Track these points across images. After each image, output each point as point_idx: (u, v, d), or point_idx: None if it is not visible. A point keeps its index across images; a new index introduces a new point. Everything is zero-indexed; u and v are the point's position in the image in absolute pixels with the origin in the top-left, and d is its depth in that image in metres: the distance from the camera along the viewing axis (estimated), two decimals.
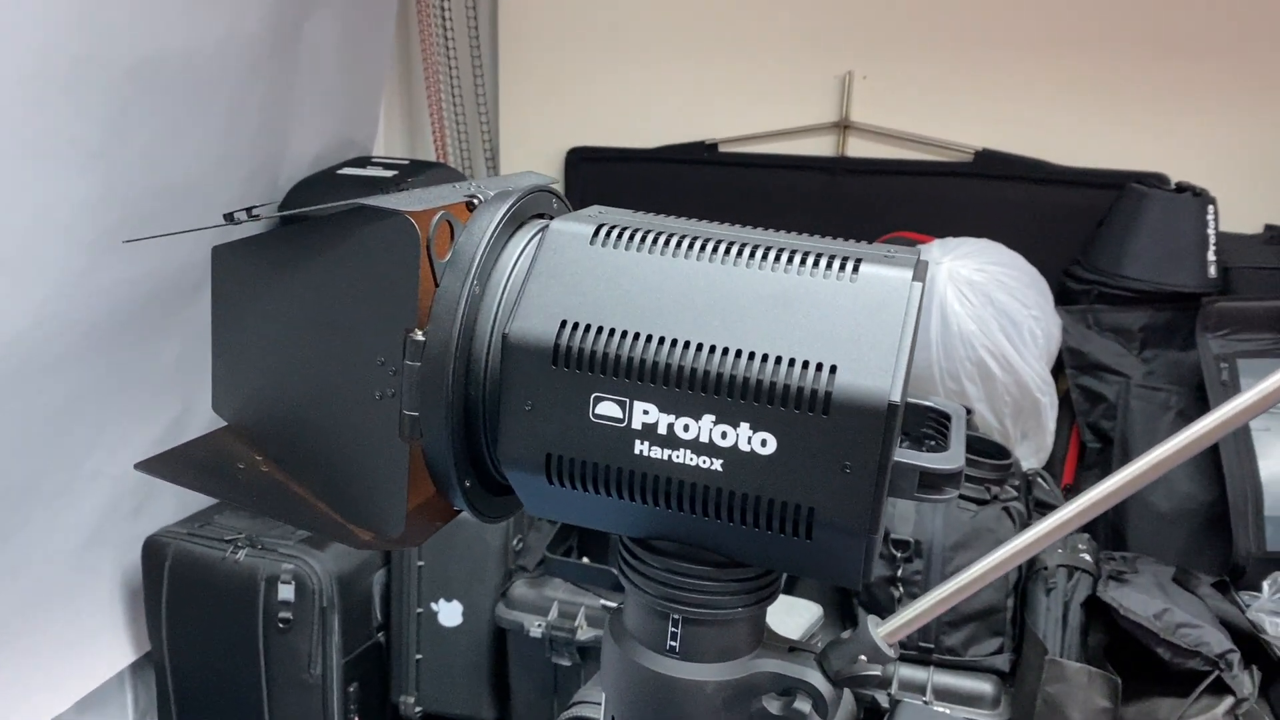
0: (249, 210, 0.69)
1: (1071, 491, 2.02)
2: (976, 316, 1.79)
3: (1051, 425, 1.90)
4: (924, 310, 1.86)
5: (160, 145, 1.61)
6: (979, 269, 1.84)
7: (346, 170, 2.12)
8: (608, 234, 0.65)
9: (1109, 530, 1.87)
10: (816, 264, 0.62)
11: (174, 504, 1.91)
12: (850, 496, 0.59)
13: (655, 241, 0.65)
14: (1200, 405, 1.84)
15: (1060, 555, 1.53)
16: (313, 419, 0.69)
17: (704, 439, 0.60)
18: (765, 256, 0.63)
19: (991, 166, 2.18)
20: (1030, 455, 1.91)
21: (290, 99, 1.98)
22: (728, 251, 0.63)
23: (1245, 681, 1.35)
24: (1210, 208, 1.91)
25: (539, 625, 1.70)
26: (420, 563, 1.82)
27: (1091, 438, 1.97)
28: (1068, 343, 1.96)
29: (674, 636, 0.70)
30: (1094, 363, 1.95)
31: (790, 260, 0.62)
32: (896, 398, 0.57)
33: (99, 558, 1.85)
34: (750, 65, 2.34)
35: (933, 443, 0.74)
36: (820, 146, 2.32)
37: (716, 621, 0.69)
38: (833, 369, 0.58)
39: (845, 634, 0.73)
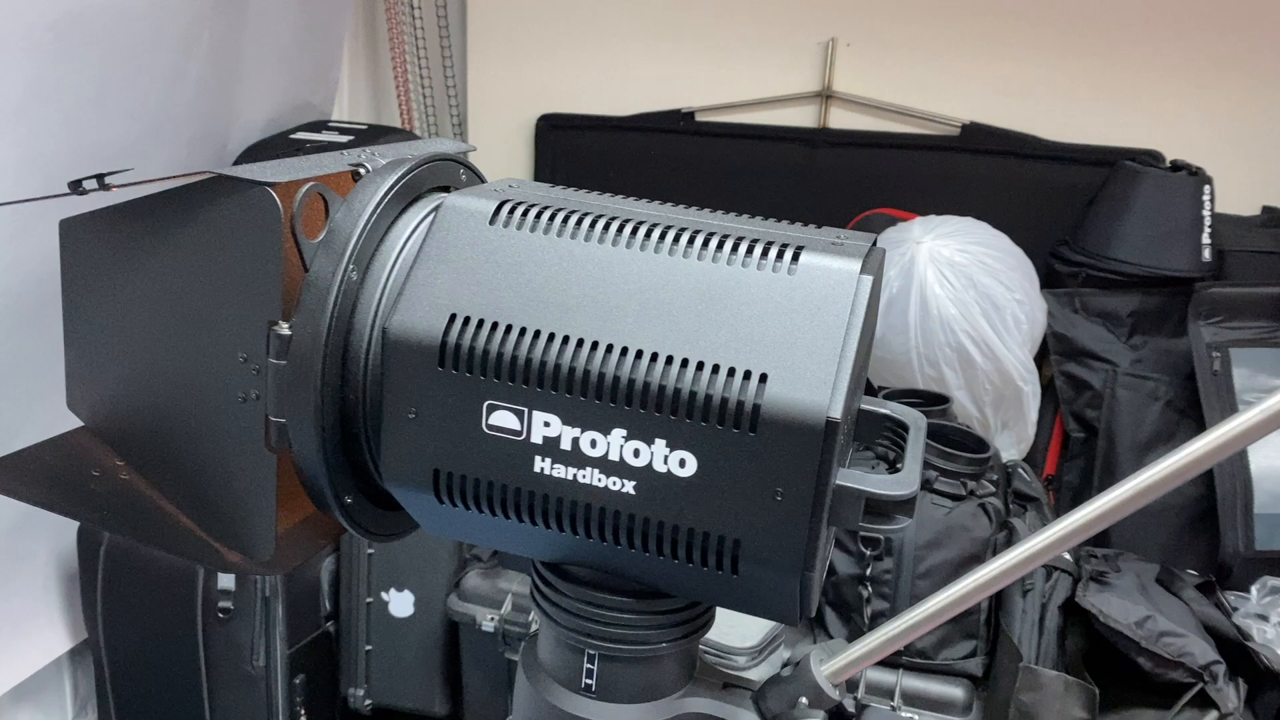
0: (100, 177, 0.59)
1: (1053, 483, 1.94)
2: (957, 300, 1.70)
3: (1034, 415, 1.81)
4: (903, 293, 1.75)
5: (89, 106, 1.50)
6: (961, 249, 1.74)
7: (301, 135, 2.01)
8: (510, 212, 0.56)
9: None
10: (750, 252, 0.53)
11: None
12: (782, 527, 0.50)
13: (565, 222, 0.55)
14: (1191, 395, 1.76)
15: None
16: (174, 422, 0.60)
17: (614, 457, 0.52)
18: (691, 243, 0.54)
19: (979, 141, 2.08)
20: (1011, 446, 1.82)
21: (240, 56, 1.86)
22: (648, 236, 0.54)
23: (1230, 695, 1.28)
24: (1206, 188, 1.82)
25: (492, 619, 1.62)
26: (370, 550, 1.74)
27: (1075, 427, 1.89)
28: (1053, 327, 1.87)
29: (589, 674, 0.61)
30: (1080, 349, 1.87)
31: (720, 248, 0.53)
32: (836, 414, 0.48)
33: (32, 541, 1.75)
34: (729, 31, 2.23)
35: (885, 446, 0.65)
36: (801, 117, 2.21)
37: (638, 658, 0.61)
38: (762, 378, 0.49)
39: (785, 670, 0.65)
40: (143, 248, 0.59)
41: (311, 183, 0.54)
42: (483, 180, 0.69)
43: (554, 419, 0.52)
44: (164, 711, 1.76)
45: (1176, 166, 1.87)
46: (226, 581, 1.65)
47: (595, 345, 0.52)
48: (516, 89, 2.40)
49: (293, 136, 2.01)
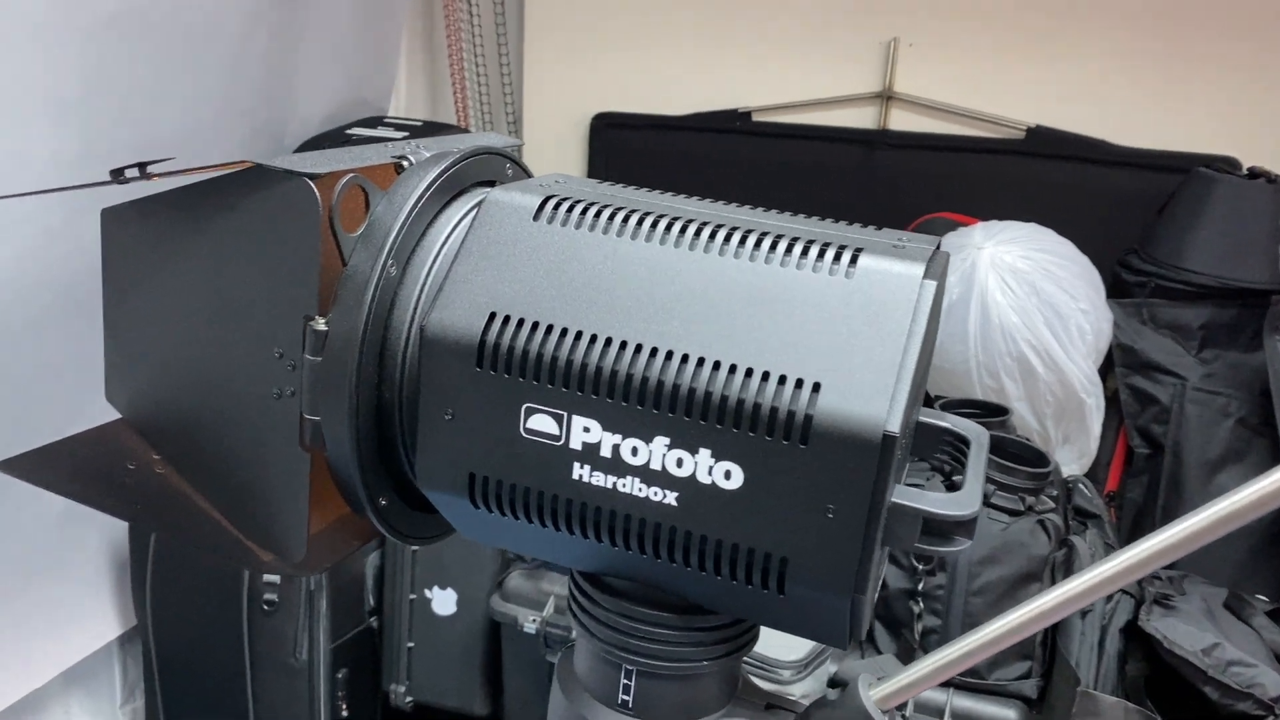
0: (141, 166, 0.58)
1: (1114, 500, 1.88)
2: (1019, 308, 1.64)
3: (1097, 429, 1.75)
4: (963, 299, 1.70)
5: (146, 98, 1.51)
6: (1024, 256, 1.69)
7: (356, 130, 2.01)
8: (555, 208, 0.54)
9: None
10: (805, 254, 0.50)
11: None
12: (832, 547, 0.47)
13: (611, 220, 0.53)
14: (1265, 413, 1.69)
15: None
16: (209, 417, 0.59)
17: (655, 466, 0.49)
18: (743, 243, 0.51)
19: (1045, 145, 2.02)
20: (1072, 460, 1.76)
21: (297, 51, 1.87)
22: (697, 235, 0.52)
23: None
24: None
25: (534, 620, 1.61)
26: (414, 547, 1.73)
27: (1140, 443, 1.82)
28: (1119, 339, 1.80)
29: (626, 690, 0.59)
30: (1147, 362, 1.80)
31: (774, 248, 0.50)
32: (894, 427, 0.45)
33: (84, 528, 1.78)
34: (788, 29, 2.19)
35: (944, 461, 0.62)
36: (861, 118, 2.17)
37: (678, 676, 0.58)
38: (815, 387, 0.46)
39: (831, 693, 0.62)
40: (182, 238, 0.57)
41: (351, 174, 0.53)
42: (529, 175, 0.67)
43: (594, 424, 0.50)
44: (209, 699, 1.78)
45: (1254, 173, 1.79)
46: (272, 574, 1.66)
47: (639, 349, 0.49)
48: (572, 87, 2.39)
49: (349, 132, 2.01)
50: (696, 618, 0.56)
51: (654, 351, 0.49)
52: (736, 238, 0.51)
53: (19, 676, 1.72)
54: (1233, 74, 1.91)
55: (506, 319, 0.51)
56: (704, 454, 0.48)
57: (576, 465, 0.51)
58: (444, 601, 1.74)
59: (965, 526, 0.50)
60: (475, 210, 0.56)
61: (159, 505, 0.60)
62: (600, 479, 0.50)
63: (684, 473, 0.49)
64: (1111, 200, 1.98)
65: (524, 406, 0.51)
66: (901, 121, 2.15)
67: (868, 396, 0.46)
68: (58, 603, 1.75)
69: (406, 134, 1.99)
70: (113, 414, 0.63)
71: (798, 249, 0.50)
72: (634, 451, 0.49)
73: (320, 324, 0.53)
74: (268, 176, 0.53)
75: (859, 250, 0.50)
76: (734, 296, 0.49)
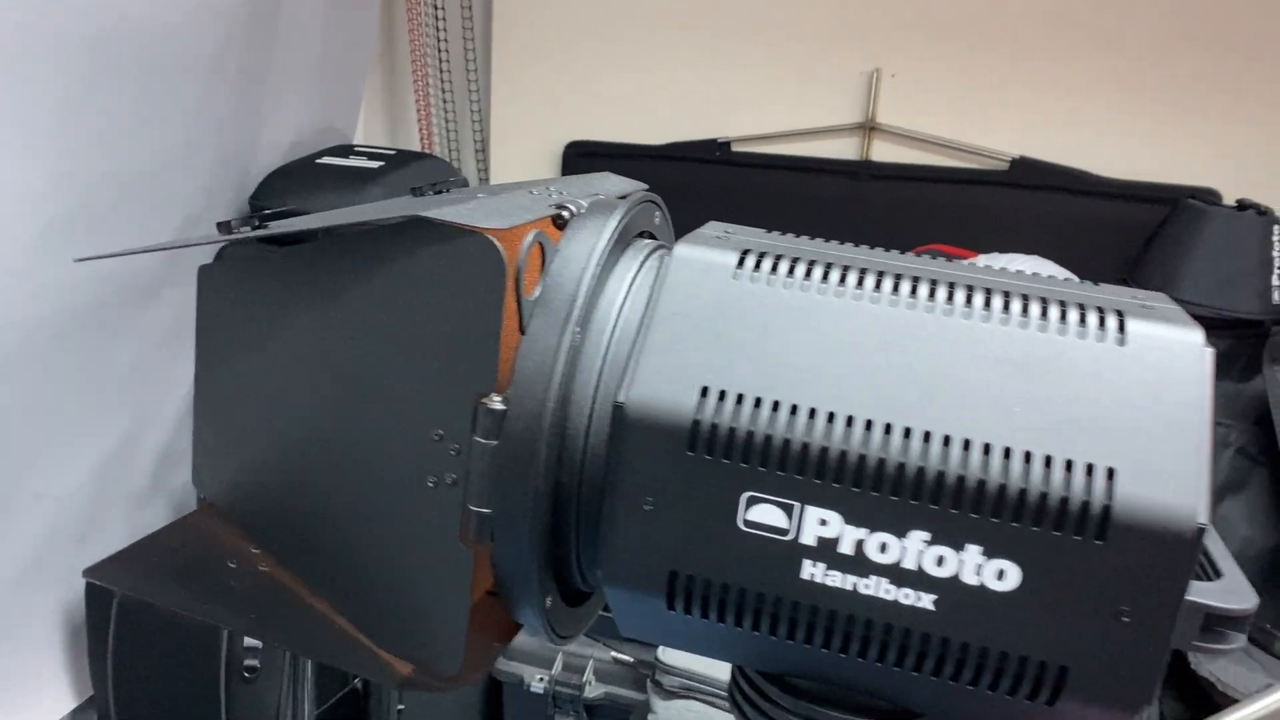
0: (252, 220, 0.50)
1: None
2: None
3: None
4: None
5: (119, 128, 1.40)
6: None
7: (327, 160, 1.91)
8: (758, 264, 0.47)
9: None
10: (1065, 317, 0.44)
11: (124, 531, 1.69)
12: (1125, 654, 0.41)
13: (826, 278, 0.47)
14: (1263, 441, 1.70)
15: None
16: (336, 508, 0.50)
17: (909, 565, 0.43)
18: (988, 304, 0.45)
19: (1029, 176, 2.02)
20: None
21: (266, 80, 1.77)
22: (932, 295, 0.46)
23: None
24: (1276, 228, 1.77)
25: (541, 679, 1.51)
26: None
27: None
28: None
29: None
30: None
31: (1026, 311, 0.45)
32: (1204, 518, 0.40)
33: (38, 591, 1.63)
34: (769, 58, 2.16)
35: None
36: (843, 149, 2.14)
37: None
38: (1109, 474, 0.41)
39: None
40: (303, 302, 0.49)
41: (535, 230, 0.45)
42: (670, 223, 0.60)
43: (833, 516, 0.43)
44: None
45: (1243, 205, 1.82)
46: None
47: (889, 427, 0.43)
48: (543, 114, 2.32)
49: (319, 161, 1.91)
50: None
51: (907, 431, 0.43)
52: (980, 298, 0.45)
53: None
54: (1218, 104, 1.94)
55: (722, 394, 0.44)
56: (972, 551, 0.42)
57: (807, 563, 0.44)
58: None
59: (1243, 622, 0.45)
60: (655, 266, 0.50)
61: (275, 612, 0.51)
62: (837, 579, 0.44)
63: (945, 573, 0.42)
64: (1097, 231, 1.99)
65: (745, 495, 0.44)
66: (884, 153, 2.13)
67: (1174, 484, 0.40)
68: (8, 673, 1.60)
69: (382, 163, 1.89)
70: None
71: (1055, 311, 0.45)
72: (883, 548, 0.43)
73: (496, 402, 0.45)
74: (432, 232, 0.45)
75: (1120, 313, 0.44)
76: (995, 368, 0.43)
